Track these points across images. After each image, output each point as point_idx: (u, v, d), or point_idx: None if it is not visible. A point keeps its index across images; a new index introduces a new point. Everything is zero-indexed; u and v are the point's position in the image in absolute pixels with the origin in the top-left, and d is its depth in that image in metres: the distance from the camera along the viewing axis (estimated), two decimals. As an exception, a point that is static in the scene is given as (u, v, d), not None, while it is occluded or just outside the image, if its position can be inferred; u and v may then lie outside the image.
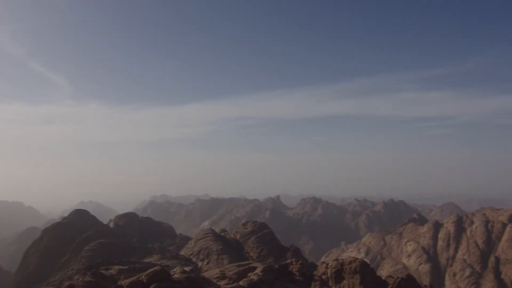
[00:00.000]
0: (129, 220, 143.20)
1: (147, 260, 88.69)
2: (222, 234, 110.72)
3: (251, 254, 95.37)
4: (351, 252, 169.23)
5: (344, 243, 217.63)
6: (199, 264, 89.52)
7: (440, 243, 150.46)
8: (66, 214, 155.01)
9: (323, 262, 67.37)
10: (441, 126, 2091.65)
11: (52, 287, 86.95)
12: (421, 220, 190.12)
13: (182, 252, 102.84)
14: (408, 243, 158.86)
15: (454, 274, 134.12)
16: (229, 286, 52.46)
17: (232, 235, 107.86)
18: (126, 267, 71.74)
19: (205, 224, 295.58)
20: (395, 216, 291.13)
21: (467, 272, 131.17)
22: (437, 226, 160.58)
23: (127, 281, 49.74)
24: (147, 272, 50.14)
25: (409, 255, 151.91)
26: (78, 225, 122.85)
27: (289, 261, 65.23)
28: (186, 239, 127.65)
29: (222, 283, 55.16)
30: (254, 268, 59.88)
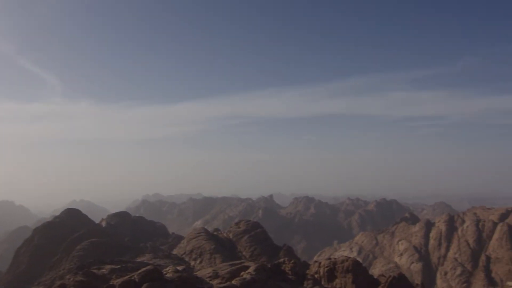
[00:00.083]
0: (121, 219, 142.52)
1: (139, 259, 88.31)
2: (215, 233, 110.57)
3: (244, 253, 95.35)
4: (344, 251, 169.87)
5: (337, 242, 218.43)
6: (192, 263, 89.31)
7: (431, 242, 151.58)
8: (57, 213, 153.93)
9: (315, 261, 67.50)
10: (433, 126, 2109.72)
11: (43, 287, 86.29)
12: (413, 219, 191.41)
13: (174, 252, 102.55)
14: (400, 242, 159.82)
15: (446, 273, 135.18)
16: (222, 285, 52.36)
17: (225, 234, 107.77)
18: (118, 266, 71.35)
19: (198, 223, 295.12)
20: (387, 215, 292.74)
21: (458, 271, 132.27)
22: (429, 225, 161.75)
23: (119, 280, 49.46)
24: (139, 271, 49.89)
25: (401, 254, 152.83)
26: (70, 224, 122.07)
27: (281, 260, 65.28)
28: (179, 238, 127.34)
29: (214, 282, 55.05)
30: (247, 267, 59.83)
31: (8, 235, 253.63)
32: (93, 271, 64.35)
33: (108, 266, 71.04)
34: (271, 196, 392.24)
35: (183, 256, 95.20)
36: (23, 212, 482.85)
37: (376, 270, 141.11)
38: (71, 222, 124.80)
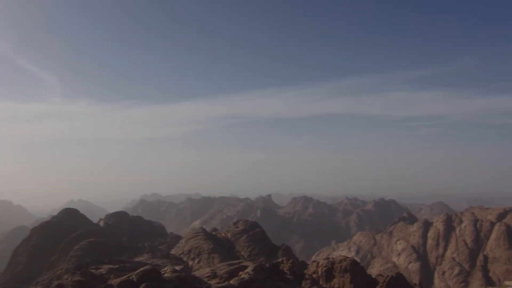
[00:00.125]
0: (119, 219, 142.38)
1: (137, 259, 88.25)
2: (213, 233, 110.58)
3: (242, 253, 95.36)
4: (342, 251, 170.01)
5: (335, 242, 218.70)
6: (190, 263, 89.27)
7: (429, 241, 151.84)
8: (55, 213, 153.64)
9: (313, 261, 67.54)
10: (432, 126, 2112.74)
11: (41, 287, 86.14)
12: (411, 219, 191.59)
13: (173, 251, 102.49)
14: (398, 242, 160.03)
15: (443, 273, 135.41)
16: (220, 285, 52.34)
17: (223, 234, 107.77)
18: (116, 266, 71.30)
19: (196, 223, 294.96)
20: (385, 215, 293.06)
21: (456, 271, 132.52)
22: (427, 225, 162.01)
23: (117, 280, 49.40)
24: (138, 271, 49.84)
25: (399, 254, 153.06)
26: (68, 224, 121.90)
27: (280, 260, 65.31)
28: (177, 238, 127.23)
29: (213, 282, 55.03)
30: (245, 267, 59.83)
31: (6, 235, 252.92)
32: (91, 271, 64.26)
33: (106, 266, 70.98)
34: (269, 196, 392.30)
35: (181, 256, 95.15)
36: (21, 212, 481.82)
37: (374, 270, 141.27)
38: (69, 222, 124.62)
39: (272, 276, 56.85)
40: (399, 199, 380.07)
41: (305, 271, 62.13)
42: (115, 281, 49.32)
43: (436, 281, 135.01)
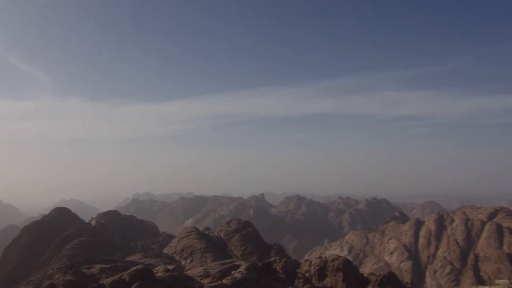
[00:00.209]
0: (111, 218, 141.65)
1: (129, 258, 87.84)
2: (206, 232, 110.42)
3: (235, 252, 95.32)
4: (334, 250, 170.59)
5: (328, 241, 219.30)
6: (183, 262, 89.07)
7: (421, 240, 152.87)
8: (46, 212, 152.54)
9: (306, 260, 67.70)
10: (423, 125, 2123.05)
11: (32, 286, 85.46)
12: (403, 218, 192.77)
13: (165, 251, 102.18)
14: (390, 241, 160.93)
15: (435, 271, 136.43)
16: (213, 284, 52.24)
17: (216, 233, 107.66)
18: (108, 265, 70.90)
19: (189, 222, 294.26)
20: (377, 214, 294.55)
21: (447, 269, 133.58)
22: (419, 224, 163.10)
23: (109, 280, 49.14)
24: (130, 270, 49.61)
25: (391, 253, 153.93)
26: (59, 223, 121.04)
27: (272, 259, 65.39)
28: (170, 237, 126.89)
29: (205, 281, 54.91)
30: (238, 266, 59.79)
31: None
32: (83, 270, 63.83)
33: (98, 266, 70.56)
34: (262, 195, 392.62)
35: (174, 255, 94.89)
36: (12, 211, 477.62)
37: (366, 269, 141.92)
38: (60, 221, 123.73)
39: (264, 275, 56.87)
40: (391, 199, 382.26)
41: (298, 270, 62.25)
42: (107, 281, 49.06)
43: (428, 280, 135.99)
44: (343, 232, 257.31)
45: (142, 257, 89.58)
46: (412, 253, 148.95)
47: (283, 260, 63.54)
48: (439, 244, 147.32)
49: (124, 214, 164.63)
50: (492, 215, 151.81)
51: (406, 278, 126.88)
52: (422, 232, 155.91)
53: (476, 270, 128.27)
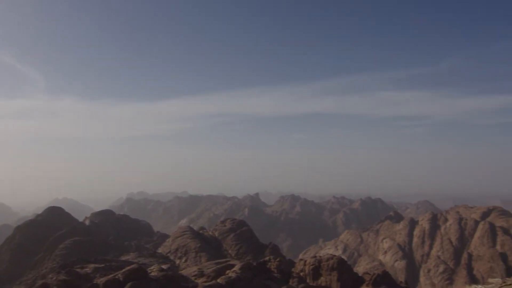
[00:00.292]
0: (105, 217, 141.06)
1: (123, 258, 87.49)
2: (201, 231, 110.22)
3: (229, 251, 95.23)
4: (329, 249, 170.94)
5: (322, 240, 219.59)
6: (177, 262, 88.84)
7: (415, 240, 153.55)
8: (39, 211, 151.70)
9: (301, 259, 67.74)
10: (418, 125, 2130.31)
11: (25, 286, 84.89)
12: (397, 218, 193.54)
13: (159, 250, 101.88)
14: (384, 240, 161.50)
15: (429, 270, 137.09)
16: (207, 283, 52.12)
17: (210, 233, 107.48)
18: (102, 265, 70.56)
19: (183, 222, 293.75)
20: (372, 213, 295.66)
21: (441, 268, 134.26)
22: (413, 223, 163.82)
23: (103, 279, 48.87)
24: (124, 270, 49.38)
25: (385, 252, 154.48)
26: (52, 223, 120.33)
27: (267, 258, 65.35)
28: (164, 236, 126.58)
29: (200, 280, 54.77)
30: (233, 266, 59.70)
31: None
32: (76, 270, 63.44)
33: (92, 265, 70.19)
34: (257, 194, 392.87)
35: (168, 254, 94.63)
36: (4, 210, 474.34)
37: (360, 268, 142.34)
38: (53, 220, 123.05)
39: (259, 275, 56.83)
40: (385, 198, 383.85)
41: (292, 270, 62.26)
42: (101, 280, 48.80)
43: (422, 279, 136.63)
44: (337, 232, 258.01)
45: (136, 256, 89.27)
46: (406, 252, 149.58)
47: (278, 259, 63.53)
48: (433, 243, 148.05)
49: (118, 213, 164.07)
50: (485, 215, 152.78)
51: (400, 277, 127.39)
52: (416, 232, 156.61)
53: (470, 269, 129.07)
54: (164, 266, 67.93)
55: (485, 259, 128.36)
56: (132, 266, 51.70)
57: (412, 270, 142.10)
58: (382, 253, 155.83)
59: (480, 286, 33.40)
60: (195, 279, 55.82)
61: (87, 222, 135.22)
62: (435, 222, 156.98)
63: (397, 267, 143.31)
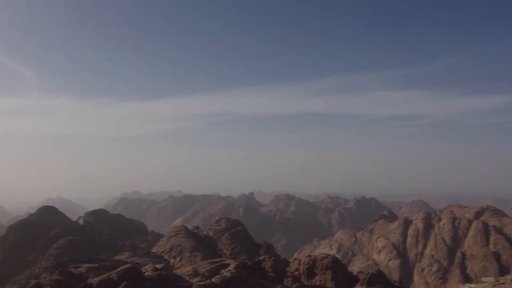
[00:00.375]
0: (99, 217, 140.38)
1: (117, 257, 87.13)
2: (195, 231, 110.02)
3: (224, 251, 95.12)
4: (324, 249, 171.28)
5: (317, 240, 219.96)
6: (172, 261, 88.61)
7: (409, 239, 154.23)
8: (33, 211, 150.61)
9: (295, 259, 67.83)
10: (412, 125, 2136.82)
11: (18, 286, 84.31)
12: (391, 217, 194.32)
13: (154, 250, 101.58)
14: (378, 239, 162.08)
15: (423, 269, 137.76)
16: (202, 283, 52.01)
17: (205, 232, 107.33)
18: (96, 265, 70.23)
19: (178, 221, 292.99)
20: (366, 213, 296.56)
21: (435, 268, 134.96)
22: (407, 222, 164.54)
23: (97, 279, 48.62)
24: (118, 270, 49.16)
25: (380, 251, 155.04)
26: (46, 222, 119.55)
27: (262, 257, 65.37)
28: (158, 236, 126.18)
29: (194, 280, 54.65)
30: (227, 265, 59.63)
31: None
32: (70, 269, 63.07)
33: (86, 265, 69.84)
34: (251, 193, 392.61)
35: (163, 254, 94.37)
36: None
37: (355, 267, 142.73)
38: (47, 219, 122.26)
39: (254, 274, 56.81)
40: (379, 197, 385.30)
41: (287, 269, 62.31)
42: (94, 280, 48.55)
43: (416, 278, 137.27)
44: (332, 231, 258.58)
45: (130, 256, 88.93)
46: (400, 251, 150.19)
47: (272, 258, 63.56)
48: (426, 242, 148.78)
49: (112, 213, 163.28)
50: (478, 214, 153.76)
51: (394, 276, 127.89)
52: (410, 231, 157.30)
53: (463, 268, 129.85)
54: (158, 266, 67.74)
55: (479, 258, 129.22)
56: (126, 265, 51.48)
57: (406, 269, 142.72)
58: (376, 252, 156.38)
59: (473, 285, 33.56)
60: (190, 278, 55.69)
61: (81, 222, 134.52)
62: (429, 221, 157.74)
63: (391, 266, 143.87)
